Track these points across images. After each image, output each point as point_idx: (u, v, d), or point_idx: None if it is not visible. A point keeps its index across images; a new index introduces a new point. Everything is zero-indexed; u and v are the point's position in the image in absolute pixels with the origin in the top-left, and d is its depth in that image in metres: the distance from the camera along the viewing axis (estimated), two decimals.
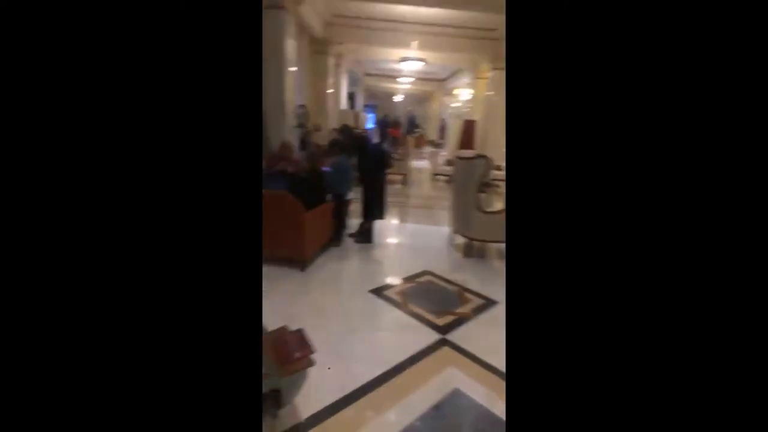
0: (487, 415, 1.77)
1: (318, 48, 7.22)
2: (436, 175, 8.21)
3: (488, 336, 2.44)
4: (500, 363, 2.11)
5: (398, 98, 16.35)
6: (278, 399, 1.62)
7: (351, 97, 10.76)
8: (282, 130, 5.01)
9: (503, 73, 7.39)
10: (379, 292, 2.97)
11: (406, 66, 8.45)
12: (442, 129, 14.11)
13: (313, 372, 1.63)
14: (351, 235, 4.10)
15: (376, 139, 6.89)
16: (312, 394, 1.78)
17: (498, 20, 6.22)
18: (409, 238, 4.59)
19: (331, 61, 7.68)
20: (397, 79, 12.06)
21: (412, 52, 7.55)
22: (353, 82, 11.21)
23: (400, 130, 10.31)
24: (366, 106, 13.23)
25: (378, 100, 15.78)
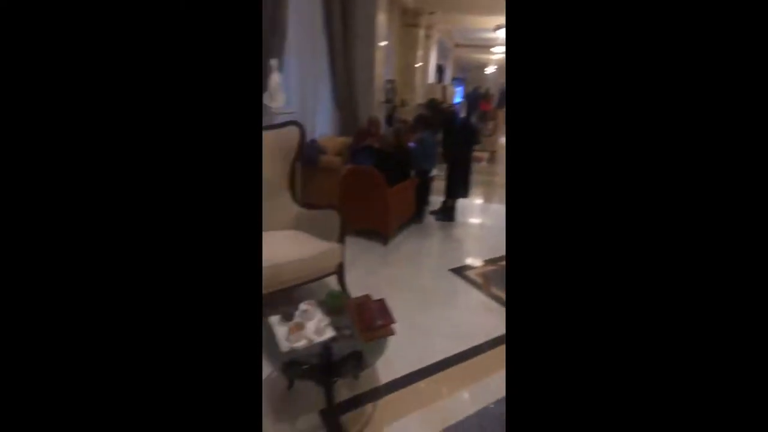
0: None
1: (408, 20, 7.09)
2: None
3: None
4: None
5: (491, 69, 15.44)
6: (360, 361, 1.74)
7: (440, 69, 10.46)
8: (370, 106, 5.11)
9: None
10: (459, 271, 2.96)
11: (502, 34, 7.90)
12: None
13: (394, 342, 1.72)
14: (433, 213, 4.10)
15: (463, 114, 6.66)
16: (389, 363, 1.88)
17: None
18: (494, 218, 4.43)
19: (421, 33, 7.51)
20: (491, 49, 11.37)
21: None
22: (443, 53, 10.86)
23: (491, 104, 9.77)
24: (455, 78, 12.76)
25: (468, 72, 15.11)
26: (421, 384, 1.82)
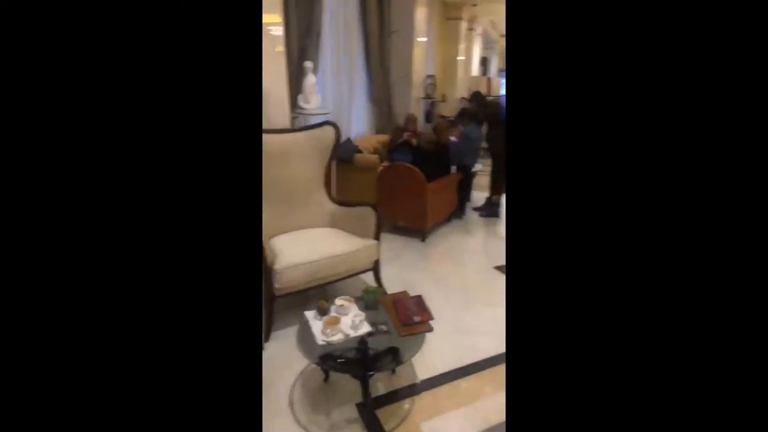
0: None
1: (450, 13, 7.07)
2: None
3: None
4: None
5: None
6: (396, 357, 1.77)
7: (484, 62, 10.31)
8: (408, 103, 5.16)
9: None
10: (504, 269, 2.89)
11: None
12: None
13: (433, 339, 1.73)
14: (476, 209, 4.04)
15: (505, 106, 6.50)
16: (429, 360, 1.88)
17: None
18: None
19: (463, 25, 7.46)
20: None
21: None
22: (488, 45, 10.68)
23: None
24: (501, 70, 12.49)
25: None
26: (462, 382, 1.81)
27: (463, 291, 2.60)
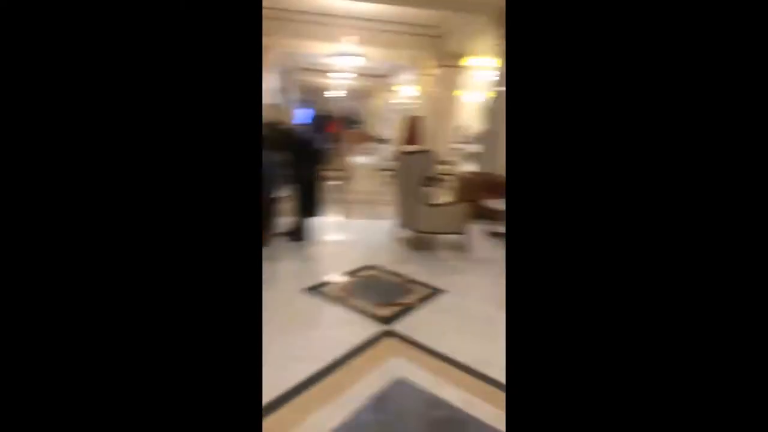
0: (434, 400, 1.80)
1: None
2: (380, 170, 8.32)
3: (435, 324, 2.50)
4: (447, 349, 2.18)
5: (337, 93, 16.39)
6: None
7: (282, 91, 10.61)
8: None
9: (451, 70, 8.06)
10: (314, 290, 2.93)
11: (344, 61, 8.52)
12: (386, 125, 14.34)
13: None
14: (282, 234, 4.02)
15: (308, 135, 6.86)
16: None
17: (439, 17, 6.67)
18: (350, 233, 4.58)
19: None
20: (335, 74, 12.09)
21: (350, 46, 7.63)
22: (285, 76, 11.07)
23: (338, 126, 10.34)
24: (300, 101, 13.13)
25: (314, 95, 15.72)
26: (281, 412, 1.70)
27: (276, 318, 2.50)
